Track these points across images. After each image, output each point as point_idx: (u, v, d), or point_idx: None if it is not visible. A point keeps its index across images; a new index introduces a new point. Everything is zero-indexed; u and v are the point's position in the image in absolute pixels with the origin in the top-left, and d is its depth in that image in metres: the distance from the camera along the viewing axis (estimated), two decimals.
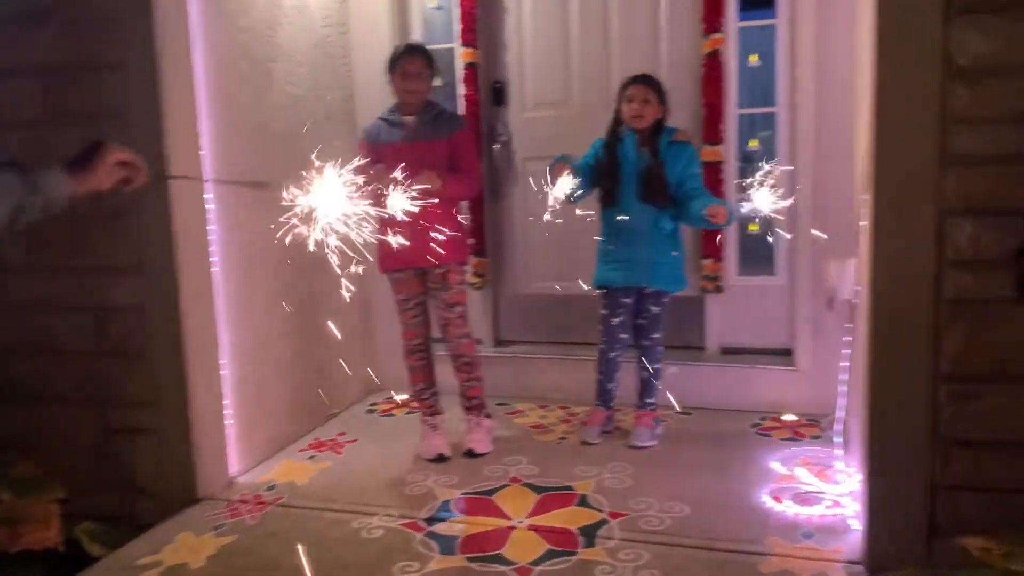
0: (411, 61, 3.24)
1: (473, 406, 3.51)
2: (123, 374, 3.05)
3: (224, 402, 3.16)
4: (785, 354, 3.85)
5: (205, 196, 3.05)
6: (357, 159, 2.11)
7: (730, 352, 3.93)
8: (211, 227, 3.08)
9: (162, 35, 2.84)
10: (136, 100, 2.87)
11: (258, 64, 3.39)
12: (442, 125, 3.27)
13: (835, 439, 3.18)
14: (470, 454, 3.38)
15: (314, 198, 1.98)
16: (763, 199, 3.04)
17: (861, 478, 2.64)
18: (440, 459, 3.34)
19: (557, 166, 3.15)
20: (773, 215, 3.07)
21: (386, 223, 2.70)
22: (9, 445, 3.17)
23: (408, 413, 3.96)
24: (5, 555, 2.72)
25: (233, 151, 3.18)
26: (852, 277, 2.92)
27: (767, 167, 3.06)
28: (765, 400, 3.76)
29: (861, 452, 2.52)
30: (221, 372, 3.14)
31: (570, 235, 4.04)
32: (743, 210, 3.10)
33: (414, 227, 2.87)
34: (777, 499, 2.90)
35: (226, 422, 3.17)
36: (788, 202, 3.09)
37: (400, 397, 4.14)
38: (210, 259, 3.08)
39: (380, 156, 3.13)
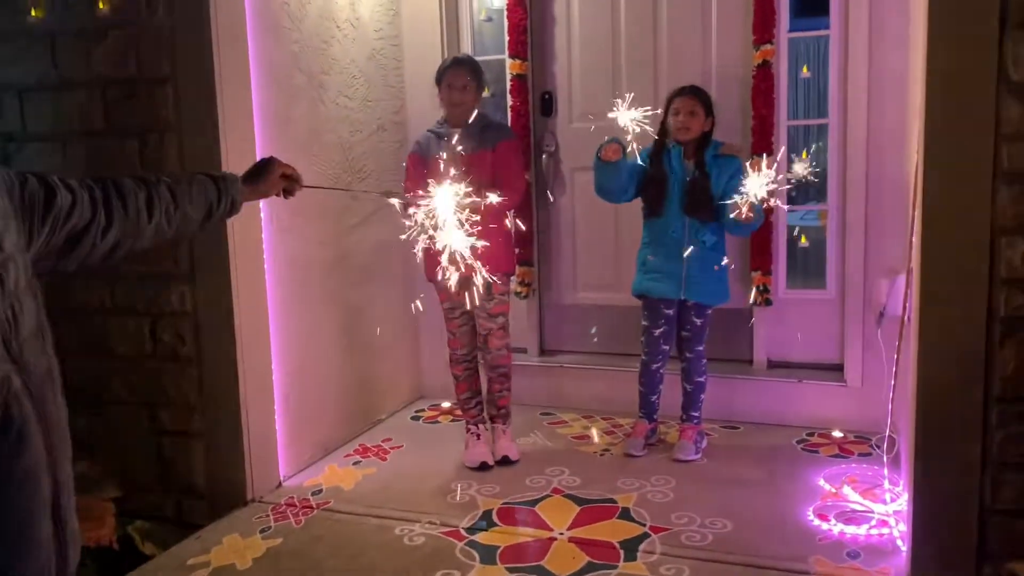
0: (456, 74, 3.28)
1: (501, 415, 3.53)
2: (176, 378, 3.14)
3: (274, 407, 3.23)
4: (834, 369, 3.79)
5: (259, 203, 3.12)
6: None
7: (778, 366, 3.88)
8: (263, 234, 3.16)
9: (218, 50, 2.92)
10: (191, 113, 2.96)
11: (313, 77, 3.46)
12: (489, 136, 3.30)
13: (883, 457, 3.12)
14: (505, 461, 3.41)
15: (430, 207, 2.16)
16: (755, 184, 2.97)
17: (909, 498, 2.60)
18: (483, 467, 3.36)
19: (613, 146, 3.19)
20: (767, 199, 2.99)
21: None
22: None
23: (452, 421, 3.99)
24: None
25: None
26: (903, 293, 2.87)
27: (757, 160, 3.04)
28: (813, 416, 3.70)
29: (909, 472, 2.48)
30: (272, 377, 3.21)
31: (617, 245, 4.07)
32: (743, 195, 3.01)
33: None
34: (823, 517, 2.86)
35: (276, 426, 3.24)
36: (781, 186, 3.04)
37: (446, 404, 4.18)
38: (263, 265, 3.15)
39: (430, 169, 3.16)
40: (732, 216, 3.11)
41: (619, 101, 3.06)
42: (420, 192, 2.56)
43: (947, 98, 2.19)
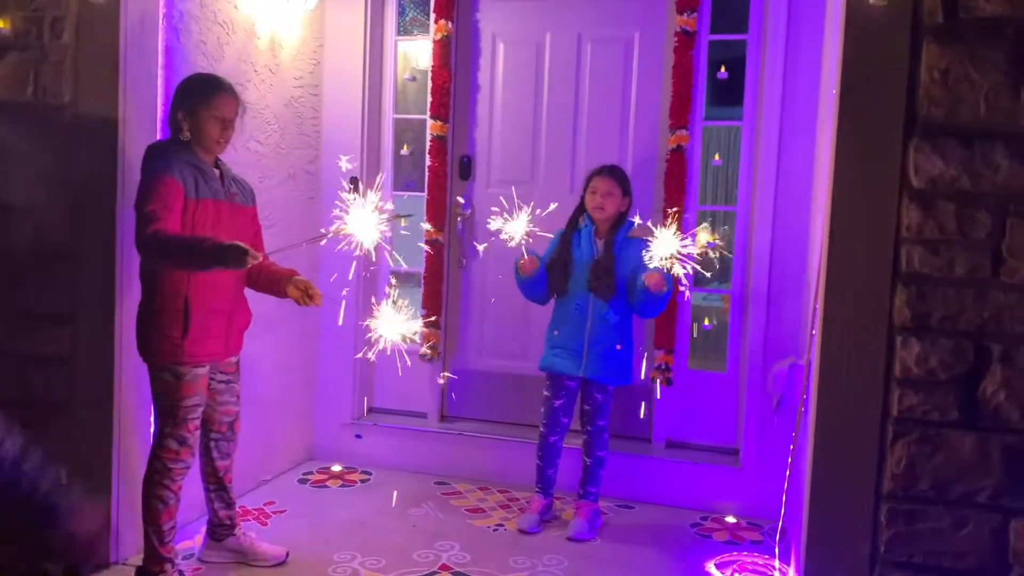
0: (227, 103, 2.69)
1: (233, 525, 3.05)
2: (43, 427, 2.90)
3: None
4: (731, 453, 3.81)
5: None
6: None
7: (677, 446, 3.88)
8: None
9: (124, 80, 2.79)
10: (90, 141, 2.81)
11: None
12: (245, 189, 2.84)
13: (775, 547, 3.12)
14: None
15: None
16: (666, 242, 2.97)
17: None
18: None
19: (528, 260, 3.22)
20: (677, 257, 2.99)
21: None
22: None
23: (342, 486, 3.83)
24: None
25: None
26: (799, 382, 2.91)
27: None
28: (708, 499, 3.70)
29: (800, 567, 2.46)
30: (149, 430, 3.00)
31: (526, 313, 4.03)
32: (650, 256, 3.00)
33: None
34: None
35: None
36: (691, 246, 3.02)
37: (336, 468, 4.01)
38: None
39: (197, 211, 2.61)
40: (641, 284, 3.11)
41: (504, 217, 3.14)
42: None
43: (850, 199, 2.25)
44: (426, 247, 4.06)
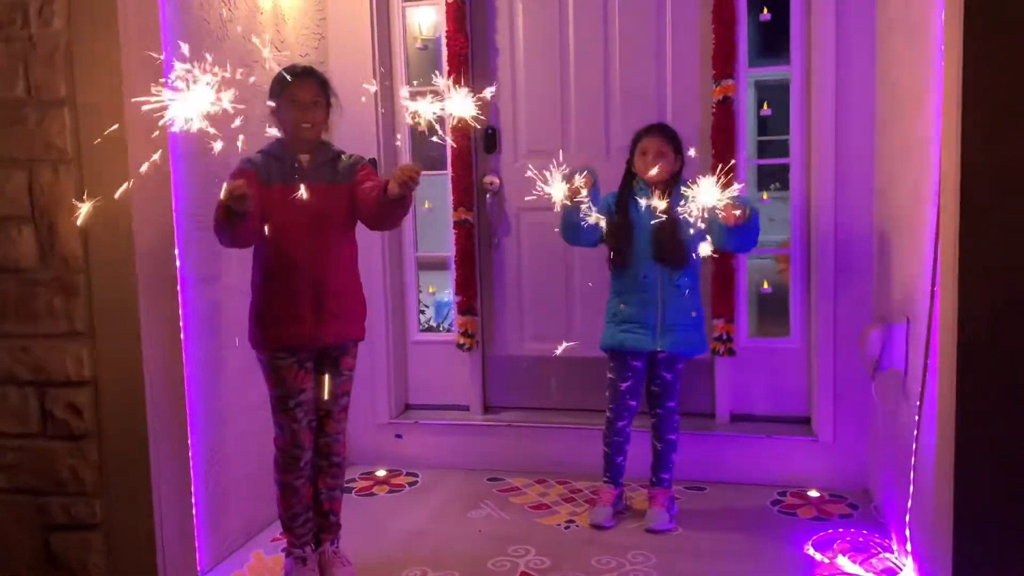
0: (304, 87, 2.59)
1: (332, 525, 2.81)
2: (68, 458, 2.60)
3: (191, 489, 2.73)
4: (800, 423, 3.58)
5: (175, 250, 2.66)
6: None
7: (741, 420, 3.64)
8: (179, 285, 2.69)
9: (128, 68, 2.47)
10: (97, 143, 2.49)
11: (233, 102, 3.01)
12: (342, 166, 2.67)
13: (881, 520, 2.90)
14: None
15: None
16: (707, 192, 2.67)
17: (917, 569, 2.37)
18: None
19: (585, 178, 2.81)
20: (721, 209, 2.70)
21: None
22: None
23: (390, 492, 3.56)
24: None
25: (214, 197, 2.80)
26: (901, 344, 2.67)
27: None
28: (783, 473, 3.46)
29: (937, 544, 2.24)
30: (188, 453, 2.72)
31: (568, 291, 3.77)
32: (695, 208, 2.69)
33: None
34: None
35: (193, 512, 2.73)
36: (735, 189, 2.71)
37: (380, 472, 3.74)
38: (179, 323, 2.67)
39: (268, 198, 2.55)
40: (719, 221, 2.78)
41: (552, 171, 2.79)
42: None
43: (983, 146, 1.99)
44: (454, 229, 3.78)
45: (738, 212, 2.69)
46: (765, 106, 3.53)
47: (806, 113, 3.45)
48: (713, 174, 3.25)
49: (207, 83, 2.12)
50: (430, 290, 4.16)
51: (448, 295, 4.15)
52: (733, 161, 3.28)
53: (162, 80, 2.31)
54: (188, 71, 2.12)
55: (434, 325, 4.19)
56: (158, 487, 2.58)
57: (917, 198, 2.52)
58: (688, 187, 2.75)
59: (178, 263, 2.68)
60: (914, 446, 2.41)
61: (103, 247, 2.53)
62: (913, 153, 2.61)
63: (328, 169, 2.65)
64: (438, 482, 3.61)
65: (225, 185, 2.33)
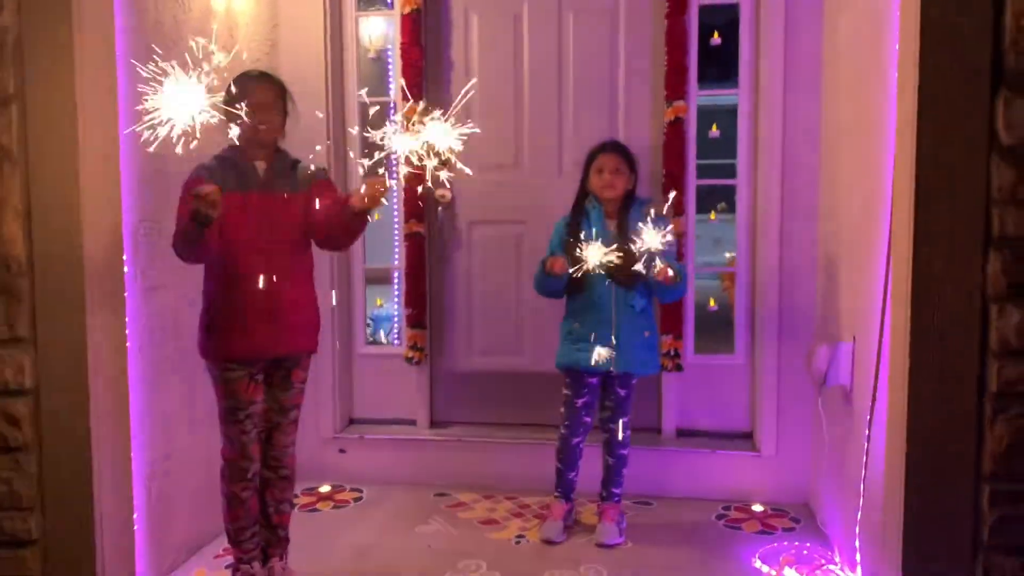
0: (264, 89, 2.59)
1: (281, 540, 2.76)
2: (3, 471, 2.47)
3: (132, 504, 2.62)
4: (744, 438, 3.65)
5: (124, 256, 2.57)
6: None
7: (686, 435, 3.70)
8: (126, 293, 2.59)
9: (81, 66, 2.39)
10: (45, 141, 2.39)
11: None
12: (298, 175, 2.63)
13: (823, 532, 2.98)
14: None
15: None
16: (650, 238, 2.79)
17: None
18: None
19: (559, 259, 2.97)
20: (662, 251, 2.85)
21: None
22: None
23: (335, 507, 3.49)
24: None
25: (167, 199, 2.73)
26: (847, 361, 2.75)
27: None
28: (727, 487, 3.53)
29: (890, 558, 2.30)
30: (131, 466, 2.61)
31: (518, 306, 3.78)
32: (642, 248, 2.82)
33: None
34: None
35: (134, 528, 2.63)
36: (671, 241, 2.84)
37: (324, 488, 3.66)
38: (124, 331, 2.58)
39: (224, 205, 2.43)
40: (655, 277, 2.91)
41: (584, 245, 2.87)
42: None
43: (936, 160, 2.07)
44: (405, 241, 3.76)
45: (670, 273, 2.88)
46: (714, 128, 3.61)
47: (753, 134, 3.55)
48: (664, 194, 3.36)
49: (198, 82, 2.11)
50: (378, 303, 4.11)
51: (392, 308, 4.11)
52: (675, 185, 3.36)
53: (147, 90, 2.22)
54: (162, 72, 2.07)
55: (373, 339, 4.15)
56: (99, 501, 2.47)
57: (867, 217, 2.61)
58: (643, 213, 2.85)
59: (126, 269, 2.59)
60: (864, 459, 2.48)
61: (49, 250, 2.42)
62: (861, 174, 2.71)
63: (285, 178, 2.61)
64: (384, 497, 3.56)
65: (197, 190, 2.26)
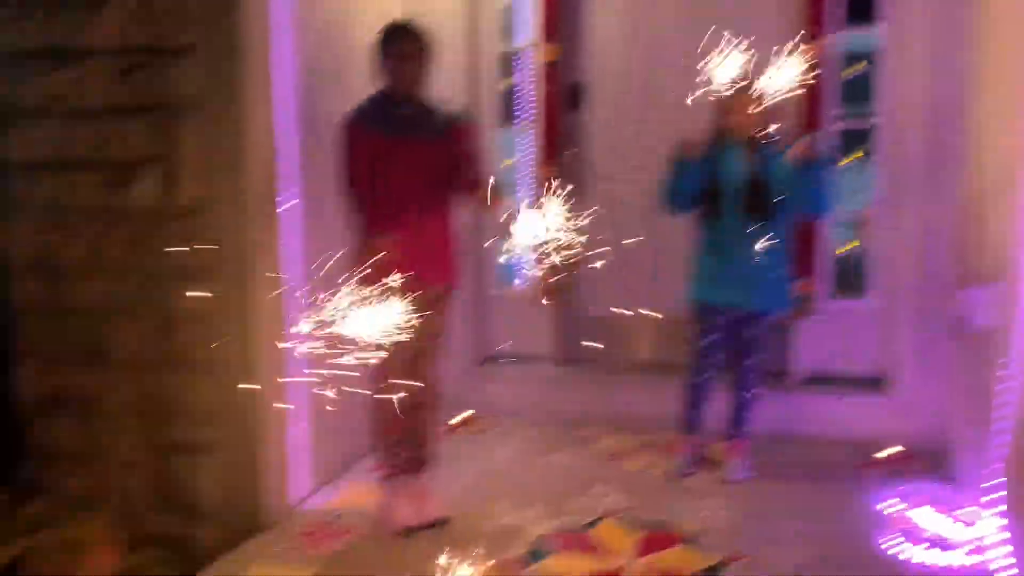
0: (409, 41, 2.71)
1: (426, 458, 2.95)
2: (187, 386, 2.79)
3: (288, 419, 2.90)
4: (875, 382, 3.62)
5: (278, 198, 2.80)
6: None
7: (817, 379, 3.69)
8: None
9: (248, 17, 2.60)
10: (216, 89, 2.63)
11: (338, 57, 3.14)
12: (440, 120, 2.79)
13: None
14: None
15: None
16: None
17: (1005, 522, 2.41)
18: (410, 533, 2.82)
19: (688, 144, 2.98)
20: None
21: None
22: (58, 460, 2.92)
23: (472, 434, 3.71)
24: None
25: (318, 143, 2.93)
26: (994, 304, 2.69)
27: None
28: (858, 430, 3.51)
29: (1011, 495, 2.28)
30: (288, 384, 2.88)
31: (650, 250, 3.82)
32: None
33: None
34: (904, 544, 2.65)
35: (295, 441, 2.91)
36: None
37: (459, 417, 3.88)
38: (277, 260, 2.82)
39: (374, 149, 2.69)
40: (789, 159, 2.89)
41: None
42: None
43: None
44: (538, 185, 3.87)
45: (803, 151, 2.85)
46: (853, 69, 3.52)
47: (896, 75, 3.44)
48: (801, 136, 3.31)
49: None
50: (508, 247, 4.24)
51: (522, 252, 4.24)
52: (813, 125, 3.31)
53: None
54: None
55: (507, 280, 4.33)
56: (265, 417, 2.76)
57: (1017, 160, 2.52)
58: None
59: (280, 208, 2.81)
60: (1018, 402, 2.43)
61: (222, 188, 2.68)
62: (1011, 114, 2.61)
63: (429, 122, 2.76)
64: (517, 428, 3.74)
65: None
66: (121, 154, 2.74)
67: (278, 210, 2.78)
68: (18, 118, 2.81)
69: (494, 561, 2.53)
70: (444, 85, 3.63)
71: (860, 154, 3.69)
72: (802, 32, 3.41)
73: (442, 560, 2.46)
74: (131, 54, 2.68)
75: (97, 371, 2.86)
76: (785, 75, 2.71)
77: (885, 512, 2.89)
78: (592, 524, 2.81)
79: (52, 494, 2.81)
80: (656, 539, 2.70)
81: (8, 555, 2.52)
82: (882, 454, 3.40)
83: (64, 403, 2.90)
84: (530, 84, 3.90)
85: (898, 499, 2.97)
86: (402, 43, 2.71)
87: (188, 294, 2.71)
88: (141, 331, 2.80)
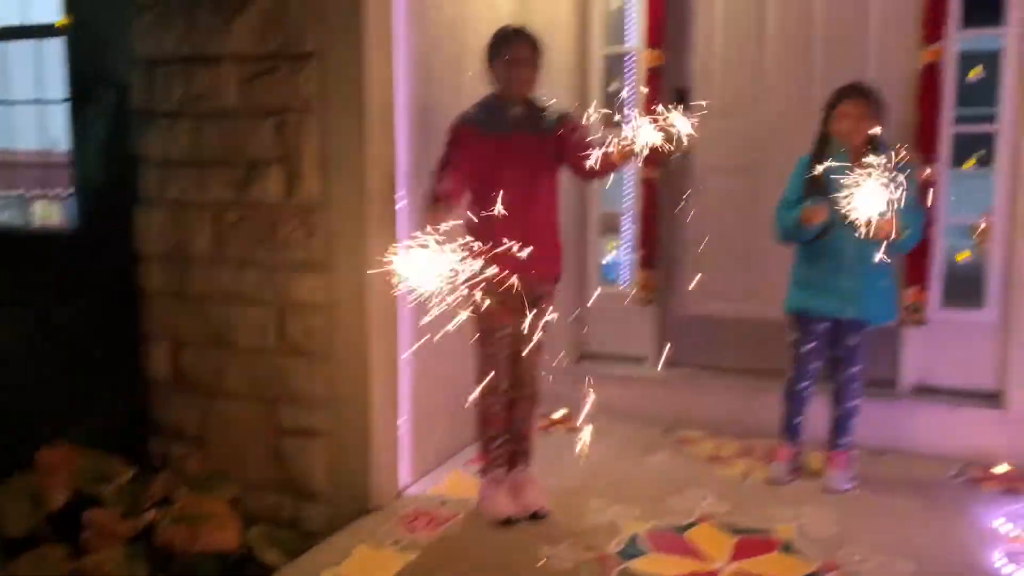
0: (520, 46, 2.81)
1: (525, 451, 3.03)
2: (302, 373, 2.95)
3: (398, 409, 3.02)
4: (990, 397, 3.49)
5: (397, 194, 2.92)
6: None
7: (926, 390, 3.59)
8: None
9: (368, 27, 2.73)
10: (336, 93, 2.77)
11: (450, 62, 3.25)
12: (547, 119, 2.86)
13: None
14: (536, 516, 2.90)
15: None
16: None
17: None
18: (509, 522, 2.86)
19: (818, 208, 2.95)
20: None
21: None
22: (181, 438, 3.12)
23: (569, 431, 3.76)
24: (184, 554, 2.64)
25: (429, 145, 3.04)
26: None
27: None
28: (969, 446, 3.40)
29: None
30: (398, 375, 3.00)
31: (750, 252, 3.81)
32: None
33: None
34: (1010, 564, 2.57)
35: (401, 429, 3.03)
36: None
37: (557, 415, 3.94)
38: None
39: (484, 148, 2.78)
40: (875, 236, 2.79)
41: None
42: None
43: None
44: (641, 186, 3.90)
45: (891, 233, 2.76)
46: (972, 73, 3.41)
47: (1018, 78, 3.32)
48: (916, 143, 3.25)
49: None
50: (610, 247, 4.30)
51: (621, 254, 4.29)
52: (933, 136, 3.24)
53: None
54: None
55: (606, 280, 4.37)
56: (375, 405, 2.89)
57: None
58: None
59: (397, 205, 2.94)
60: None
61: (339, 187, 2.82)
62: None
63: (537, 121, 2.84)
64: (614, 427, 3.76)
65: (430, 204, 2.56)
66: (249, 153, 2.91)
67: (395, 207, 2.91)
68: (158, 119, 3.03)
69: (592, 555, 2.59)
70: (553, 87, 3.75)
71: (973, 161, 3.58)
72: (922, 34, 3.38)
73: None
74: (261, 60, 2.85)
75: (220, 355, 3.05)
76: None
77: (994, 530, 2.80)
78: (688, 527, 2.83)
79: (177, 470, 3.01)
80: (752, 544, 2.70)
81: (138, 525, 2.72)
82: (996, 470, 3.29)
83: (190, 385, 3.11)
84: (634, 88, 3.93)
85: (1008, 519, 2.88)
86: (514, 48, 2.81)
87: (306, 285, 2.87)
88: (262, 319, 2.97)
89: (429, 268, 2.22)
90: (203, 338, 3.06)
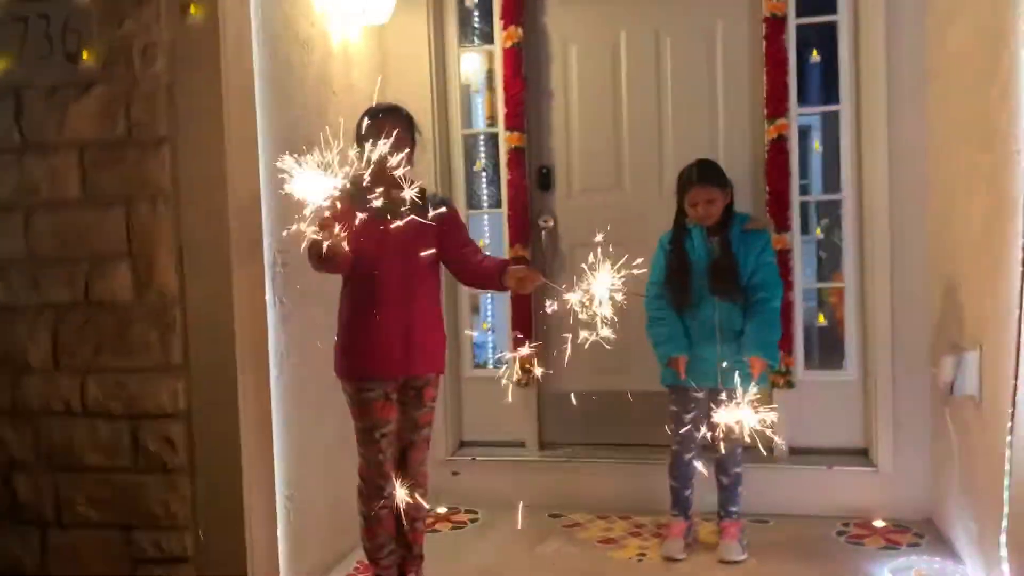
0: (392, 123, 2.64)
1: (416, 557, 2.86)
2: (160, 492, 2.62)
3: (276, 524, 2.74)
4: (858, 454, 3.62)
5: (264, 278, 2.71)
6: None
7: (799, 452, 3.67)
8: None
9: (228, 109, 2.55)
10: (193, 179, 2.56)
11: (311, 144, 3.09)
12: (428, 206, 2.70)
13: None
14: None
15: None
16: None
17: None
18: None
19: (678, 362, 3.10)
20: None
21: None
22: None
23: (453, 528, 3.57)
24: None
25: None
26: (974, 371, 2.73)
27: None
28: (845, 504, 3.49)
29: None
30: (275, 488, 2.74)
31: (622, 326, 3.80)
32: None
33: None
34: None
35: (278, 548, 2.75)
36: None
37: (441, 509, 3.74)
38: (267, 357, 2.72)
39: (359, 227, 2.53)
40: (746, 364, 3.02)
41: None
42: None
43: None
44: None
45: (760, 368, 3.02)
46: (816, 145, 3.63)
47: (856, 150, 3.56)
48: (768, 211, 3.39)
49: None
50: (484, 327, 4.21)
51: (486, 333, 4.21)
52: (784, 204, 3.41)
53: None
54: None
55: (479, 363, 4.27)
56: (248, 520, 2.60)
57: (991, 226, 2.59)
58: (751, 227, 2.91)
59: (267, 298, 2.73)
60: (1008, 469, 2.44)
61: (198, 281, 2.58)
62: (982, 182, 2.69)
63: (415, 206, 2.69)
64: (499, 519, 3.61)
65: (315, 228, 2.33)
66: (93, 247, 2.63)
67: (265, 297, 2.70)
68: None
69: None
70: (416, 167, 3.66)
71: (819, 231, 3.78)
72: (765, 113, 3.56)
73: None
74: (106, 147, 2.60)
75: (62, 478, 2.67)
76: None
77: None
78: None
79: None
80: None
81: None
82: (876, 523, 3.38)
83: (25, 515, 2.70)
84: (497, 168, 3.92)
85: (897, 571, 2.94)
86: (387, 125, 2.61)
87: (164, 391, 2.58)
88: (111, 433, 2.63)
89: (315, 185, 2.24)
90: (41, 459, 2.68)
